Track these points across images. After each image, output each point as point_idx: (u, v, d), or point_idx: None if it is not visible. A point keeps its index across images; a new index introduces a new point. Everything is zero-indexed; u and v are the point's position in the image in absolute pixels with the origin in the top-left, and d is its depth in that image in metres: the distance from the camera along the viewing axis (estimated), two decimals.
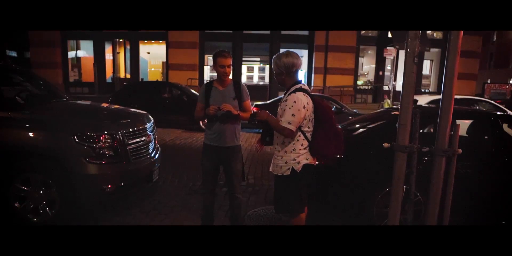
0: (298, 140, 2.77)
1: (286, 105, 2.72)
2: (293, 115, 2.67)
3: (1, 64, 4.67)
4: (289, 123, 2.67)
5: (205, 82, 17.93)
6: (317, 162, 2.87)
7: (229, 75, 3.25)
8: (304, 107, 2.70)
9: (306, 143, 2.79)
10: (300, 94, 2.72)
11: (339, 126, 3.02)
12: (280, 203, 2.92)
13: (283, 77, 2.82)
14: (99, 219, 3.86)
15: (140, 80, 18.12)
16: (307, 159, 2.80)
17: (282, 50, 2.96)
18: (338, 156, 2.92)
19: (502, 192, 3.77)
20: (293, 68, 2.79)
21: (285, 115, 2.69)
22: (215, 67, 3.24)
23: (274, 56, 2.84)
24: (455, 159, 2.23)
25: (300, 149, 2.78)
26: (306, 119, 2.74)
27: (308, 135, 2.79)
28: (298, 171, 2.77)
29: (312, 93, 2.88)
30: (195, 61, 18.18)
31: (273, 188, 3.00)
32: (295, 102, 2.69)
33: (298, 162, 2.77)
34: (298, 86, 2.79)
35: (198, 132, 9.80)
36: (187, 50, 17.87)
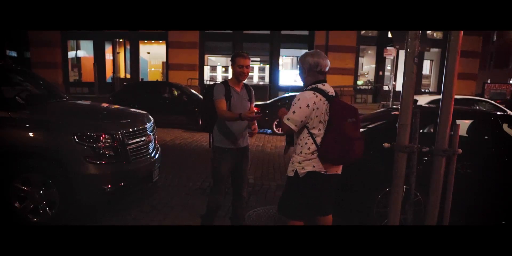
0: (306, 143, 2.66)
1: (293, 102, 2.67)
2: (293, 112, 2.62)
3: (1, 64, 4.66)
4: (288, 119, 2.64)
5: (205, 82, 18.09)
6: (324, 170, 2.66)
7: (247, 76, 3.26)
8: (308, 106, 2.58)
9: (314, 148, 2.64)
10: (308, 93, 2.63)
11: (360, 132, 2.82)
12: (280, 204, 2.90)
13: (305, 76, 2.76)
14: (99, 219, 3.86)
15: (140, 80, 18.14)
16: (313, 166, 2.65)
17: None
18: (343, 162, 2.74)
19: (502, 192, 3.77)
20: (317, 68, 2.69)
21: (288, 112, 2.67)
22: (233, 67, 3.23)
23: (303, 54, 2.80)
24: (455, 159, 2.23)
25: (306, 153, 2.66)
26: (312, 119, 2.61)
27: (318, 139, 2.63)
28: (300, 176, 2.66)
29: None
30: (195, 61, 18.20)
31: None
32: (299, 99, 2.63)
33: (303, 168, 2.65)
34: (314, 85, 2.69)
35: (198, 132, 9.79)
36: (187, 50, 17.89)
